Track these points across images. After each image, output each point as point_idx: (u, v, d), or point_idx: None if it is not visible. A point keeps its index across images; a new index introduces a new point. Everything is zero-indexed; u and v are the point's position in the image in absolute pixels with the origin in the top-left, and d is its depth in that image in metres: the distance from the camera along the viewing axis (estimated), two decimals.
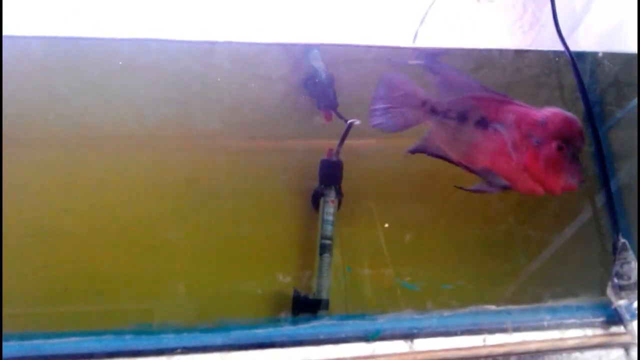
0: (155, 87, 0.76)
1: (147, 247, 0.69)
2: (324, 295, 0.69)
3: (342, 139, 0.75)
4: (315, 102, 0.78)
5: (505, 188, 0.68)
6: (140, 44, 0.77)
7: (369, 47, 0.76)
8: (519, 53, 0.76)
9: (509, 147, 0.67)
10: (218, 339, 0.57)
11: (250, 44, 0.78)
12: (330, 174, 0.75)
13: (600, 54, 0.79)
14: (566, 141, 0.65)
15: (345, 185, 0.75)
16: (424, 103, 0.71)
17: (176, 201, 0.72)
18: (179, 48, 0.76)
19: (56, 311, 0.64)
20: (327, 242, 0.72)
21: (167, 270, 0.68)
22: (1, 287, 0.62)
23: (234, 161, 0.76)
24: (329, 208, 0.74)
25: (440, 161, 0.71)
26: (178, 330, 0.56)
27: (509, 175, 0.68)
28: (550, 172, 0.65)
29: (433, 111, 0.71)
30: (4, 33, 0.72)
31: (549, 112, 0.67)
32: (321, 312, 0.67)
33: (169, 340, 0.56)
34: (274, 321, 0.60)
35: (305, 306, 0.68)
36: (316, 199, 0.75)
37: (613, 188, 0.71)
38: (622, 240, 0.66)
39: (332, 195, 0.74)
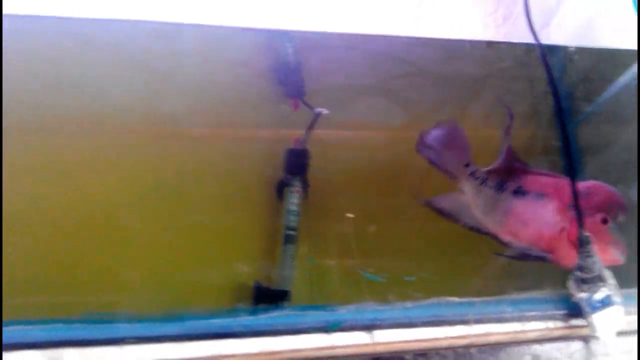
0: (118, 69, 0.74)
1: (106, 234, 0.67)
2: (285, 287, 0.69)
3: (310, 128, 0.74)
4: (283, 89, 0.76)
5: (542, 259, 0.69)
6: (103, 25, 0.74)
7: (339, 35, 0.75)
8: (490, 45, 0.76)
9: (550, 217, 0.66)
10: (172, 328, 0.55)
11: (218, 28, 0.76)
12: (296, 163, 0.74)
13: (571, 49, 0.79)
14: (610, 214, 0.66)
15: (312, 175, 0.73)
16: (467, 165, 0.71)
17: (137, 187, 0.70)
18: (144, 29, 0.73)
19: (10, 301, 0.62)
20: (291, 232, 0.71)
21: (127, 258, 0.66)
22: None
23: (198, 148, 0.74)
24: (294, 198, 0.73)
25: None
26: (130, 320, 0.54)
27: (549, 245, 0.69)
28: (594, 244, 0.66)
29: (472, 175, 0.71)
30: None
31: (591, 184, 0.68)
32: (283, 304, 0.67)
33: (120, 329, 0.54)
34: (232, 311, 0.59)
35: (267, 297, 0.67)
36: (281, 189, 0.74)
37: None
38: (586, 233, 0.66)
39: (297, 185, 0.73)
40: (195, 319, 0.55)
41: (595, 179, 0.78)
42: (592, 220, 0.66)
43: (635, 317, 0.67)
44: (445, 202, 0.74)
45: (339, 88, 0.72)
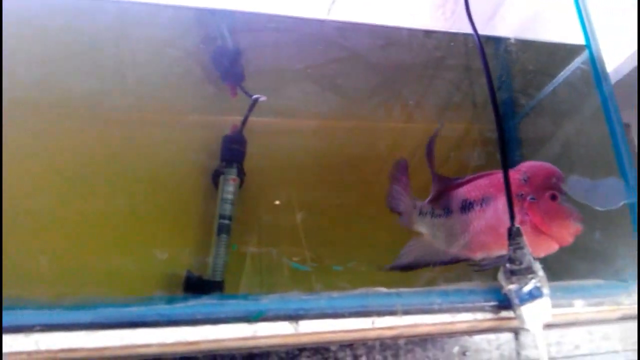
0: (35, 48, 0.70)
1: (26, 220, 0.64)
2: (218, 277, 0.67)
3: (247, 116, 0.73)
4: (221, 75, 0.75)
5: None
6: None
7: (272, 16, 0.73)
8: (428, 34, 0.75)
9: (504, 214, 0.66)
10: (84, 316, 0.53)
11: (157, 6, 0.73)
12: (232, 151, 0.72)
13: (512, 41, 0.79)
14: (556, 188, 0.67)
15: (249, 164, 0.72)
16: (414, 206, 0.70)
17: (63, 173, 0.67)
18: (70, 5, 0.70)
19: None
20: (226, 222, 0.70)
21: (48, 244, 0.64)
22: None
23: (132, 134, 0.72)
24: (229, 187, 0.71)
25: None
26: (39, 307, 0.53)
27: None
28: (556, 222, 0.67)
29: (421, 213, 0.70)
30: None
31: (526, 167, 0.68)
32: (215, 294, 0.65)
33: (27, 316, 0.52)
34: (148, 299, 0.57)
35: (199, 287, 0.66)
36: (216, 177, 0.72)
37: None
38: (516, 225, 0.66)
39: (233, 173, 0.71)
40: (108, 307, 0.54)
41: None
42: (543, 201, 0.67)
43: (567, 310, 0.67)
44: (409, 256, 0.73)
45: (272, 72, 0.71)
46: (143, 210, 0.69)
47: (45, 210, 0.64)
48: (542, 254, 0.69)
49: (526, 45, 0.79)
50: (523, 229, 0.67)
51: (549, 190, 0.67)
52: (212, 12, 0.74)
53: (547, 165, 0.69)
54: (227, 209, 0.70)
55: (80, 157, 0.68)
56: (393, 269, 0.71)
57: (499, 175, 0.69)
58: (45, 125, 0.69)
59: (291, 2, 0.83)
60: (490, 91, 0.62)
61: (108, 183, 0.68)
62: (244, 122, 0.73)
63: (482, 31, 0.77)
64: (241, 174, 0.72)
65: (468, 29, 0.91)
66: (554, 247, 0.69)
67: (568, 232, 0.67)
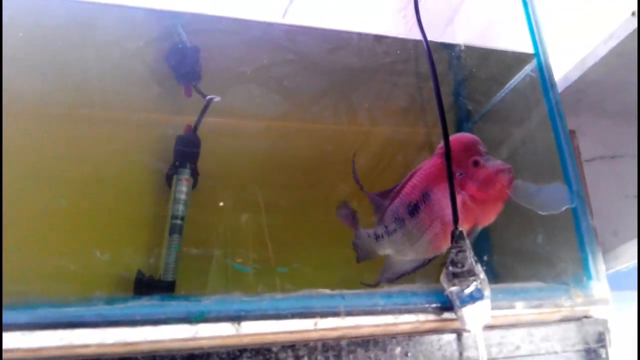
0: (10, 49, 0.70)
1: None
2: (169, 277, 0.67)
3: (201, 115, 0.73)
4: (176, 74, 0.75)
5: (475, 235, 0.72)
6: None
7: (219, 18, 0.74)
8: (378, 39, 0.76)
9: (447, 202, 0.68)
10: (21, 316, 0.53)
11: (110, 6, 0.73)
12: (186, 151, 0.73)
13: (462, 47, 0.81)
14: (474, 154, 0.70)
15: (202, 164, 0.72)
16: (369, 235, 0.72)
17: (10, 171, 0.67)
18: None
19: None
20: (178, 222, 0.70)
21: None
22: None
23: (84, 131, 0.72)
24: (182, 187, 0.71)
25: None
26: None
27: (472, 221, 0.71)
28: (488, 185, 0.70)
29: (376, 238, 0.71)
30: None
31: (441, 148, 0.69)
32: (166, 295, 0.66)
33: None
34: (86, 299, 0.57)
35: (149, 288, 0.66)
36: (170, 177, 0.72)
37: None
38: (459, 229, 0.68)
39: (185, 173, 0.72)
40: (46, 306, 0.54)
41: None
42: (469, 171, 0.70)
43: (508, 311, 0.69)
44: (386, 273, 0.74)
45: (220, 73, 0.72)
46: (92, 210, 0.69)
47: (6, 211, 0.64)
48: (493, 218, 0.71)
49: (477, 52, 0.81)
50: (467, 206, 0.69)
51: (469, 159, 0.70)
52: (161, 13, 0.74)
53: (459, 137, 0.71)
54: (180, 209, 0.71)
55: (29, 157, 0.68)
56: (382, 281, 0.73)
57: (427, 166, 0.71)
58: (13, 125, 0.68)
59: (248, 5, 0.84)
60: (436, 93, 0.63)
61: (58, 182, 0.68)
62: (197, 123, 0.73)
63: (439, 37, 0.79)
64: (195, 174, 0.73)
65: (430, 32, 0.94)
66: (499, 207, 0.71)
67: (503, 187, 0.70)
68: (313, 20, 0.88)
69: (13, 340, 0.52)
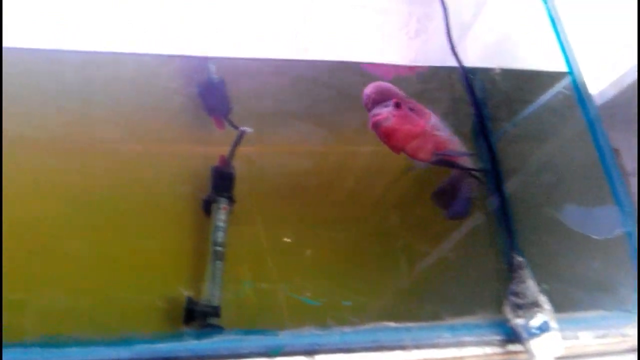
0: (57, 95, 0.81)
1: (32, 253, 0.70)
2: (215, 303, 0.70)
3: (234, 146, 0.78)
4: (209, 110, 0.82)
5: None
6: (44, 55, 0.82)
7: (267, 61, 0.81)
8: (412, 69, 0.82)
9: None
10: (123, 353, 0.59)
11: (148, 55, 0.84)
12: (222, 181, 0.77)
13: (497, 70, 0.84)
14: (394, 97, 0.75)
15: (237, 191, 0.77)
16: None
17: (65, 206, 0.74)
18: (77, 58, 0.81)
19: None
20: (219, 249, 0.74)
21: (51, 277, 0.69)
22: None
23: (126, 168, 0.78)
24: (221, 215, 0.76)
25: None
26: (83, 343, 0.59)
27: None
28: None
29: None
30: None
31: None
32: (213, 320, 0.68)
33: (75, 353, 0.58)
34: (177, 335, 0.63)
35: (197, 314, 0.68)
36: (208, 206, 0.77)
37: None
38: (519, 258, 0.69)
39: (223, 202, 0.76)
40: (143, 342, 0.60)
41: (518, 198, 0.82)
42: (390, 111, 0.74)
43: (573, 342, 0.69)
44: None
45: (268, 113, 0.78)
46: (140, 240, 0.73)
47: (38, 249, 0.70)
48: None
49: (511, 74, 0.84)
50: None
51: (391, 101, 0.74)
52: (209, 59, 0.83)
53: (376, 84, 0.76)
54: (220, 236, 0.74)
55: (84, 192, 0.75)
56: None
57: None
58: (63, 164, 0.76)
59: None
60: (479, 124, 0.66)
61: (107, 215, 0.74)
62: (231, 153, 0.78)
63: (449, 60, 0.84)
64: (231, 202, 0.77)
65: (435, 49, 0.98)
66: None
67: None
68: (324, 50, 0.95)
69: None
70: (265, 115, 0.77)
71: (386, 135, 0.75)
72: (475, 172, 0.78)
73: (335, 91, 0.79)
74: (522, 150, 0.81)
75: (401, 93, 0.80)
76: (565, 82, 0.83)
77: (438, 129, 0.78)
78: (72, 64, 0.83)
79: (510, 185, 0.77)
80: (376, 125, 0.75)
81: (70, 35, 0.89)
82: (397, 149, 0.76)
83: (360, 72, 0.81)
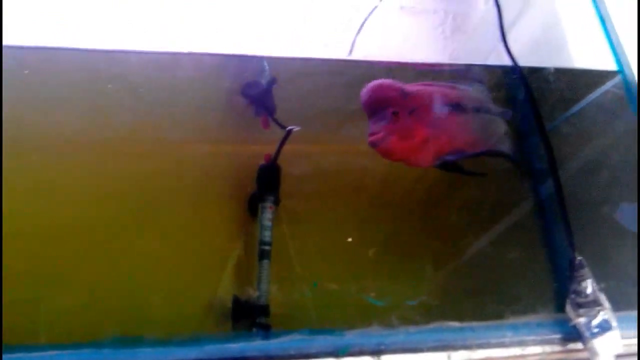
0: (112, 97, 0.80)
1: (97, 254, 0.70)
2: (263, 301, 0.71)
3: (281, 145, 0.78)
4: (254, 109, 0.82)
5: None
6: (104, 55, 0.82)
7: (323, 61, 0.81)
8: (468, 67, 0.81)
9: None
10: (192, 352, 0.59)
11: (193, 55, 0.83)
12: (268, 180, 0.77)
13: (551, 69, 0.84)
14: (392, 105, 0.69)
15: (283, 190, 0.77)
16: None
17: (116, 209, 0.74)
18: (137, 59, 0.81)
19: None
20: (266, 247, 0.74)
21: (115, 278, 0.69)
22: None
23: (173, 168, 0.78)
24: (267, 214, 0.76)
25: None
26: (154, 344, 0.59)
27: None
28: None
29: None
30: None
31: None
32: (261, 319, 0.69)
33: (146, 354, 0.58)
34: (246, 335, 0.63)
35: (246, 312, 0.69)
36: (253, 205, 0.77)
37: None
38: (579, 257, 0.69)
39: (270, 200, 0.76)
40: (213, 343, 0.60)
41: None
42: (387, 126, 0.68)
43: (634, 340, 0.70)
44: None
45: (319, 113, 0.78)
46: (184, 241, 0.74)
47: (100, 251, 0.70)
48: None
49: (564, 73, 0.84)
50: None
51: (390, 108, 0.68)
52: (258, 59, 0.83)
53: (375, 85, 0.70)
54: (267, 235, 0.74)
55: (124, 193, 0.75)
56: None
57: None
58: (115, 165, 0.76)
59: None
60: (537, 123, 0.66)
61: (158, 214, 0.74)
62: (277, 152, 0.77)
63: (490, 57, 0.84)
64: (277, 201, 0.77)
65: (473, 46, 0.98)
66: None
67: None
68: (370, 50, 0.96)
69: None
70: (316, 115, 0.77)
71: (384, 155, 0.71)
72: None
73: None
74: (572, 149, 0.80)
75: (403, 86, 0.73)
76: (616, 80, 0.83)
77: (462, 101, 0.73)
78: (119, 64, 0.83)
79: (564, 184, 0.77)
80: (373, 145, 0.70)
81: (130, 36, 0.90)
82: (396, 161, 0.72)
83: (415, 71, 0.80)
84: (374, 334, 0.64)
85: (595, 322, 0.67)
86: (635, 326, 0.70)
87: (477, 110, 0.75)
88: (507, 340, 0.66)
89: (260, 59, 0.86)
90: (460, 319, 0.66)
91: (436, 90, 0.73)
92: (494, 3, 0.84)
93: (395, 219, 0.76)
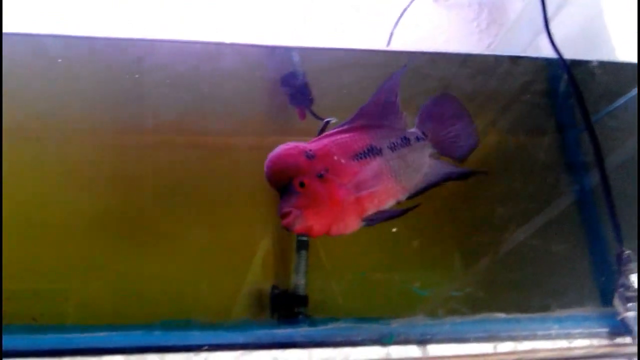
0: (163, 85, 0.81)
1: (137, 244, 0.72)
2: (301, 292, 0.71)
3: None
4: (291, 100, 0.82)
5: None
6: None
7: (346, 51, 0.80)
8: (513, 60, 0.80)
9: None
10: (240, 337, 0.59)
11: (228, 45, 0.82)
12: None
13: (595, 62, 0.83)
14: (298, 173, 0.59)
15: None
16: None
17: (151, 194, 0.75)
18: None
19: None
20: (303, 239, 0.75)
21: (159, 266, 0.71)
22: (1, 287, 0.64)
23: (209, 159, 0.79)
24: None
25: None
26: (203, 328, 0.59)
27: None
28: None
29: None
30: None
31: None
32: (300, 309, 0.70)
33: (196, 337, 0.59)
34: (292, 322, 0.63)
35: (284, 302, 0.70)
36: None
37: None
38: (627, 251, 0.68)
39: None
40: (261, 328, 0.60)
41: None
42: (296, 203, 0.57)
43: None
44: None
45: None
46: (227, 231, 0.75)
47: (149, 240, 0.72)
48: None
49: (611, 66, 0.83)
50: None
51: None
52: (294, 49, 0.82)
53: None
54: None
55: (171, 181, 0.76)
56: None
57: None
58: (146, 154, 0.77)
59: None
60: (584, 117, 0.65)
61: (193, 204, 0.75)
62: None
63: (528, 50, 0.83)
64: None
65: (511, 42, 0.96)
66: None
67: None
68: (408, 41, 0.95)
69: (236, 358, 0.59)
70: (354, 106, 0.77)
71: (304, 234, 0.66)
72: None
73: (436, 82, 0.78)
74: (616, 142, 0.79)
75: (306, 147, 0.62)
76: None
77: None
78: (154, 54, 0.83)
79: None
80: (288, 229, 0.58)
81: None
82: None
83: (460, 61, 0.80)
84: (419, 323, 0.64)
85: None
86: None
87: (393, 146, 0.64)
88: (553, 332, 0.66)
89: (294, 49, 0.86)
90: (505, 311, 0.66)
91: (342, 141, 0.64)
92: None
93: (441, 210, 0.75)
